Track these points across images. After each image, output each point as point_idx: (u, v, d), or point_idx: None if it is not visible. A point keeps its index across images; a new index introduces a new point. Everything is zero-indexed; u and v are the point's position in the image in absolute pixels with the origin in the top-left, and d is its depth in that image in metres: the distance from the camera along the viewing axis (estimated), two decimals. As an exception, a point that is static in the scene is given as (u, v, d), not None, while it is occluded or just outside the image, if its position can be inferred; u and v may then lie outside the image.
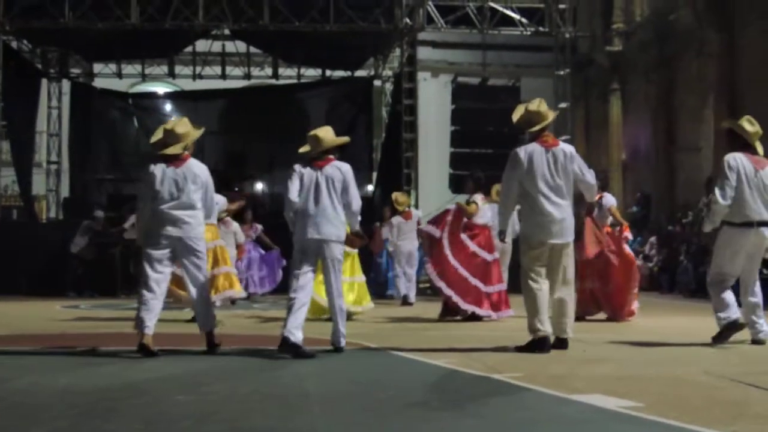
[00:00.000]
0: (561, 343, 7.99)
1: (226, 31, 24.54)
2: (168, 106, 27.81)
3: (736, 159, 8.40)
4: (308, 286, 7.88)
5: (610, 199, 12.40)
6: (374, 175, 25.43)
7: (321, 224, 7.83)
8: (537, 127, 8.11)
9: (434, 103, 27.82)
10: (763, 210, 8.36)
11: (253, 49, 26.67)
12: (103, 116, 26.76)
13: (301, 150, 8.24)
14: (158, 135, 8.16)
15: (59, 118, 26.39)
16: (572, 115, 24.12)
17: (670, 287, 20.98)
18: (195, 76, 26.88)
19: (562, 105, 22.45)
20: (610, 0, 28.60)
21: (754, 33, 21.38)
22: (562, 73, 22.58)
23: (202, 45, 26.35)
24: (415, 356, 7.57)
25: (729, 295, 8.44)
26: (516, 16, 22.06)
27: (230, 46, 26.60)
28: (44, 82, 25.94)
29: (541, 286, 7.92)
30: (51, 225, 24.59)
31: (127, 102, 27.49)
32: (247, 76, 27.37)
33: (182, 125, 8.17)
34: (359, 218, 8.21)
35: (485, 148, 22.17)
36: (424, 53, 27.20)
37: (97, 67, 27.28)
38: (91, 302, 17.10)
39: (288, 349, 7.51)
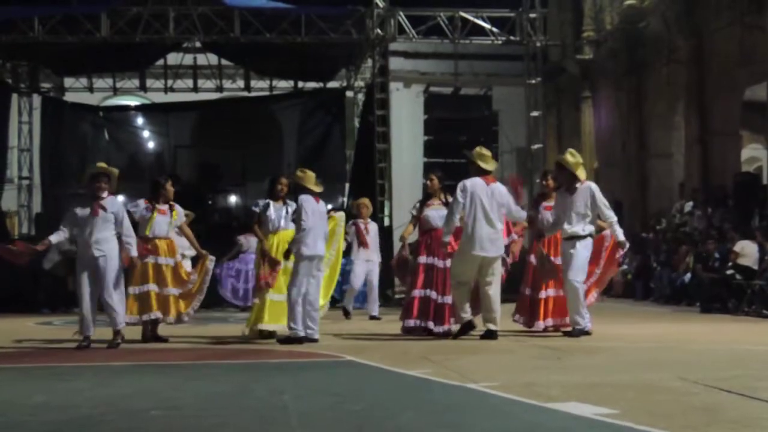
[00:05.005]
0: (490, 335, 9.78)
1: (198, 44, 24.50)
2: (140, 120, 27.69)
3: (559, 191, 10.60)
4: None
5: None
6: (347, 186, 25.41)
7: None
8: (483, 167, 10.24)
9: (407, 114, 27.81)
10: (574, 225, 10.21)
11: (224, 62, 26.61)
12: (74, 130, 26.53)
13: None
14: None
15: (30, 133, 26.22)
16: (544, 123, 24.22)
17: (644, 294, 21.03)
18: (167, 89, 26.80)
19: (534, 113, 22.59)
20: (580, 9, 28.75)
21: (722, 39, 21.56)
22: (533, 81, 22.67)
23: (173, 58, 26.28)
24: (391, 367, 7.57)
25: None
26: (487, 26, 22.12)
27: (202, 59, 26.55)
28: (14, 96, 25.75)
29: (465, 285, 9.95)
30: (23, 241, 24.35)
31: (98, 116, 27.25)
32: (219, 89, 27.30)
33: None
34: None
35: (458, 158, 22.07)
36: (395, 63, 27.22)
37: (68, 81, 27.12)
38: (65, 318, 16.95)
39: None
